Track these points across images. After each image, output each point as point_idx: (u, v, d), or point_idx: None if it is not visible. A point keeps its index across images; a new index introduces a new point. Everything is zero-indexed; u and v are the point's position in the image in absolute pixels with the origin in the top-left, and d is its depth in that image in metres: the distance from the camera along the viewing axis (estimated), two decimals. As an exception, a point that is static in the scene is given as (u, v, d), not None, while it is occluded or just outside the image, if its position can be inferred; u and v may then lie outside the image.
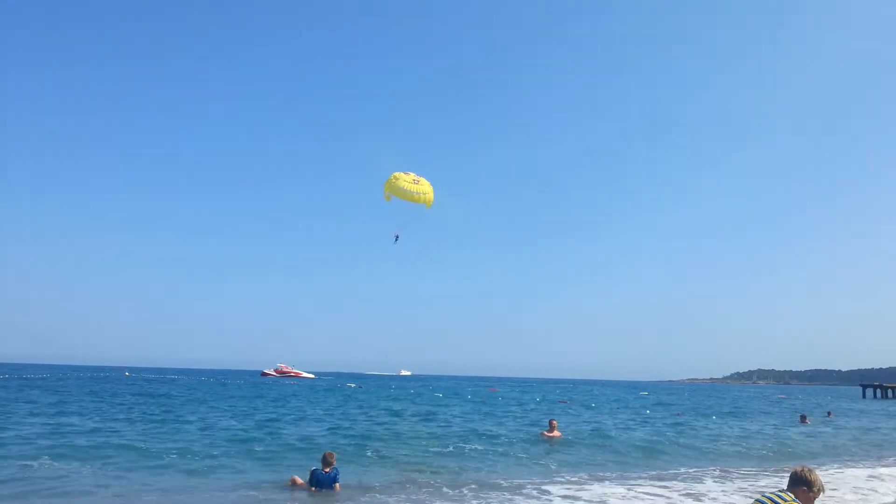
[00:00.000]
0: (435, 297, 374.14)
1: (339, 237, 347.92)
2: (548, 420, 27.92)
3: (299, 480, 14.47)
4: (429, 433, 26.67)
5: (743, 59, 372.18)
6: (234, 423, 28.56)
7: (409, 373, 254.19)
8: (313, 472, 14.27)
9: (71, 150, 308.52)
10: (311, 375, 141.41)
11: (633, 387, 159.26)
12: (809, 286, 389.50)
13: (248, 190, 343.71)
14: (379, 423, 30.62)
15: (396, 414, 37.32)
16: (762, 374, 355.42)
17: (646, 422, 36.76)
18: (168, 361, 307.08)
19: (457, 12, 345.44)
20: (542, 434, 26.18)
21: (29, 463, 16.00)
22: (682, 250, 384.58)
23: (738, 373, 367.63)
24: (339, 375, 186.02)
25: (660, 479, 17.02)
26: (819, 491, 6.45)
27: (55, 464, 16.01)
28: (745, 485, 16.18)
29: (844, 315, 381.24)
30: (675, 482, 16.43)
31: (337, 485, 14.18)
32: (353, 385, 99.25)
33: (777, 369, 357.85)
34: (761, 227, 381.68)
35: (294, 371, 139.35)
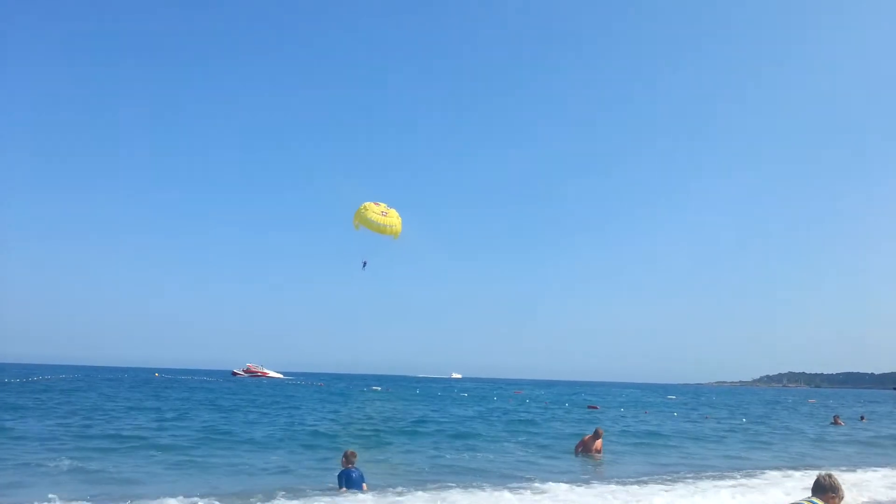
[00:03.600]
0: (482, 300, 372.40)
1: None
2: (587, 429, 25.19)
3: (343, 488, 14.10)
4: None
5: (760, 63, 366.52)
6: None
7: (459, 376, 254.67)
8: (342, 473, 14.10)
9: (69, 149, 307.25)
10: (280, 375, 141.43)
11: (660, 390, 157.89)
12: (841, 287, 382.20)
13: (285, 188, 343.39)
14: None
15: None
16: (792, 377, 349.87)
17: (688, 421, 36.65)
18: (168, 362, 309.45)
19: (464, 15, 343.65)
20: (581, 444, 22.46)
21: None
22: (710, 251, 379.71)
23: (767, 376, 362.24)
24: (308, 375, 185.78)
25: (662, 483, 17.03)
26: (843, 497, 6.76)
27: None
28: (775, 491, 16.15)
29: (877, 316, 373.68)
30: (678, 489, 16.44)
31: (364, 484, 14.04)
32: (377, 388, 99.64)
33: (808, 372, 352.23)
34: (790, 227, 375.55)
35: (262, 371, 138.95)
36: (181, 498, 12.43)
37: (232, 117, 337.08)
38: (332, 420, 33.61)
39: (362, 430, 28.88)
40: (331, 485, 14.38)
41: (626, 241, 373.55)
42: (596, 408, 56.83)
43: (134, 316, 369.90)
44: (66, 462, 16.56)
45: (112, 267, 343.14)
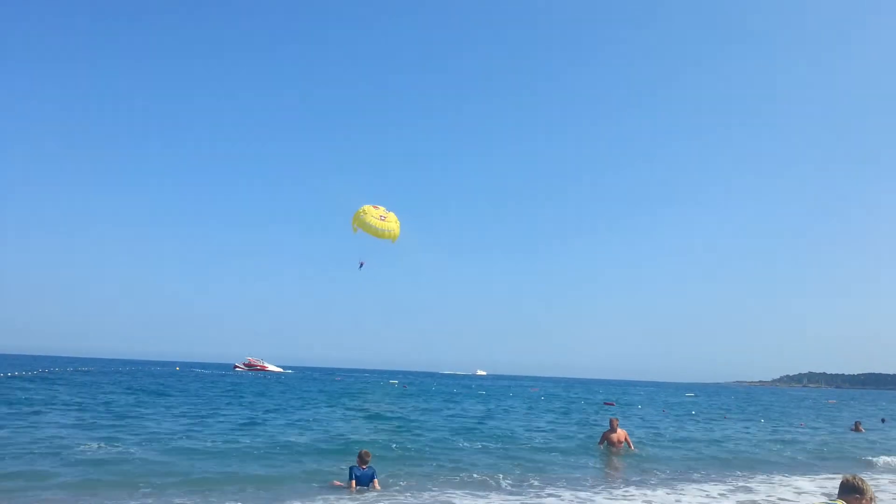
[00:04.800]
0: (507, 297, 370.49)
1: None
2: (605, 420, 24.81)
3: (337, 483, 14.71)
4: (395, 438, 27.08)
5: (798, 61, 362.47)
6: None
7: (484, 373, 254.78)
8: (352, 470, 14.51)
9: (70, 144, 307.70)
10: (279, 369, 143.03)
11: (678, 388, 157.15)
12: (863, 287, 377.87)
13: (299, 183, 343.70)
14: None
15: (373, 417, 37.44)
16: (812, 378, 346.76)
17: (708, 422, 36.63)
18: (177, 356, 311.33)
19: (470, 14, 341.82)
20: (604, 439, 22.28)
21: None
22: (728, 249, 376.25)
23: (787, 375, 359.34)
24: (304, 369, 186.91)
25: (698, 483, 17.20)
26: (871, 499, 6.61)
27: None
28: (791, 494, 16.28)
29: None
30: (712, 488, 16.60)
31: (376, 481, 14.47)
32: (394, 382, 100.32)
33: (828, 372, 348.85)
34: (813, 225, 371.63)
35: (262, 364, 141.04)
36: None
37: (239, 113, 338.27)
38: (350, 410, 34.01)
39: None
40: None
41: (646, 239, 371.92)
42: (612, 404, 57.00)
43: (131, 310, 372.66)
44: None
45: (112, 261, 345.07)
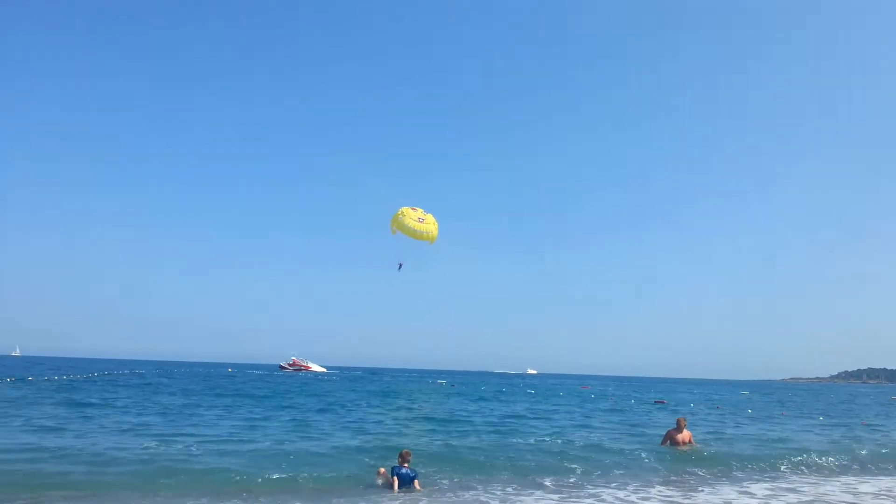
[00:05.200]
0: (557, 295, 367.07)
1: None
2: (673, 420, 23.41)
3: (383, 470, 14.81)
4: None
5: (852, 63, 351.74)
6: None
7: (534, 371, 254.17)
8: (394, 469, 14.60)
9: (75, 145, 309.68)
10: (323, 369, 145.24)
11: (732, 386, 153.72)
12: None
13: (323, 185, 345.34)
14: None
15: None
16: (872, 373, 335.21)
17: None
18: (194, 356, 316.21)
19: (495, 20, 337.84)
20: (667, 438, 21.59)
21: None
22: (787, 245, 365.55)
23: (846, 371, 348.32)
24: (352, 369, 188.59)
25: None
26: None
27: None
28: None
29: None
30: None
31: (417, 482, 14.53)
32: (442, 382, 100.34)
33: (889, 368, 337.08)
34: (869, 221, 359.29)
35: (305, 364, 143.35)
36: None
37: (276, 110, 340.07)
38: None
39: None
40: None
41: (703, 235, 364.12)
42: (663, 402, 55.93)
43: (174, 311, 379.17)
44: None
45: (144, 263, 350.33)
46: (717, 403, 57.72)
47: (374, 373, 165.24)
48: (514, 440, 23.66)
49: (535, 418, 34.29)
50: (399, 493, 14.10)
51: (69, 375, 69.09)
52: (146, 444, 19.07)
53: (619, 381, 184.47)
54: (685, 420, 21.90)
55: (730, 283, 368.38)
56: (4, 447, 17.70)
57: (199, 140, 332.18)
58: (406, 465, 14.71)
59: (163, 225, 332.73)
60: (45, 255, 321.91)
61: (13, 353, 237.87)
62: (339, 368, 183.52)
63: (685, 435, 21.25)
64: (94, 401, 35.45)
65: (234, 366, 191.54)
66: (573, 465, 18.03)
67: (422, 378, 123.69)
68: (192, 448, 18.82)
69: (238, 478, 14.84)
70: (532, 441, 23.50)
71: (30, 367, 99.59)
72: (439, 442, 22.65)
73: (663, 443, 21.61)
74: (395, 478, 14.37)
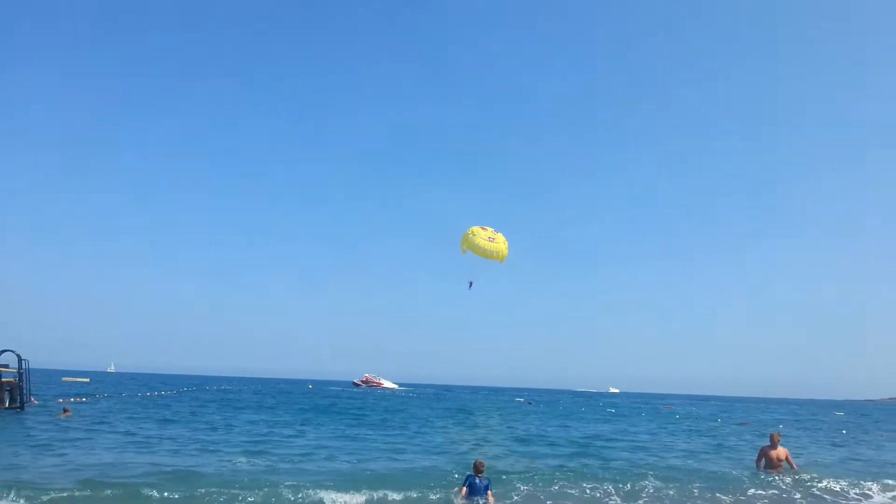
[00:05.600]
0: (640, 312, 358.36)
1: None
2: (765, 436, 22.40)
3: (464, 490, 14.98)
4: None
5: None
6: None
7: (616, 390, 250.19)
8: (468, 478, 14.97)
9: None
10: (395, 386, 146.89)
11: (824, 405, 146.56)
12: None
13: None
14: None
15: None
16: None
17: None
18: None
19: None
20: (761, 457, 20.39)
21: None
22: (879, 248, 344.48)
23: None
24: (424, 386, 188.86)
25: None
26: None
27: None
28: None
29: None
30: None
31: (490, 493, 14.78)
32: (520, 400, 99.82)
33: None
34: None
35: (377, 381, 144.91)
36: None
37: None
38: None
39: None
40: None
41: (784, 245, 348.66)
42: (748, 423, 53.92)
43: (250, 329, 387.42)
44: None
45: (222, 283, 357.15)
46: (807, 424, 55.22)
47: (448, 390, 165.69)
48: (588, 458, 23.46)
49: (615, 438, 33.72)
50: (466, 501, 14.46)
51: (167, 392, 72.18)
52: (236, 460, 19.82)
53: (705, 399, 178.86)
54: (779, 436, 20.47)
55: (822, 295, 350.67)
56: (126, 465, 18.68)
57: (281, 159, 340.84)
58: (480, 475, 15.00)
59: (243, 244, 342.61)
60: (132, 275, 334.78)
61: (109, 370, 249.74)
62: (412, 385, 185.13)
63: (780, 451, 19.86)
64: (194, 414, 36.99)
65: (310, 382, 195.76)
66: (650, 484, 17.71)
67: (499, 396, 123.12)
68: (280, 463, 19.44)
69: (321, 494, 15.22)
70: (607, 459, 23.24)
71: (127, 383, 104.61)
72: (513, 458, 22.66)
73: (758, 462, 20.45)
74: (466, 487, 14.72)
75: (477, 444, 28.16)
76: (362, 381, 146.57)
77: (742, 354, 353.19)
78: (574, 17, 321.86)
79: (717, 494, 16.94)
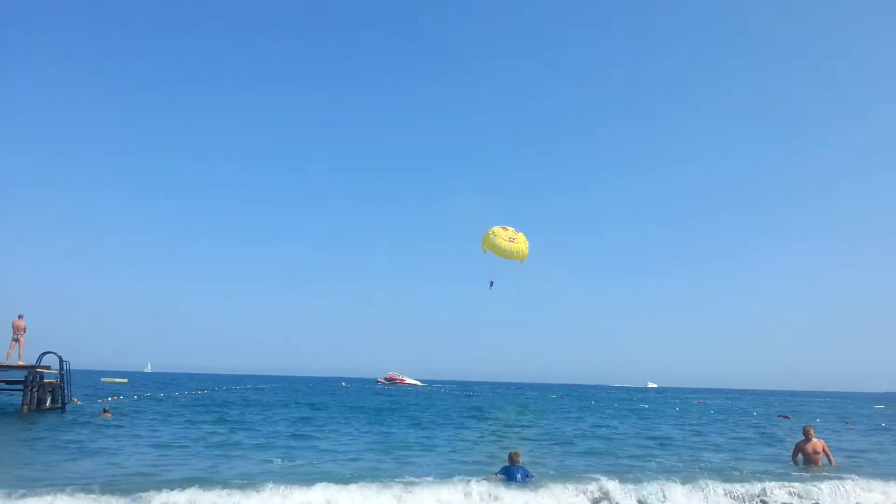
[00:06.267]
0: (678, 308, 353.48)
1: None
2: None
3: (495, 477, 15.14)
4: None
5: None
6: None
7: (654, 385, 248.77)
8: (505, 468, 15.17)
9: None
10: (418, 383, 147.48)
11: (863, 399, 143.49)
12: None
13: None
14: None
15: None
16: None
17: None
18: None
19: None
20: (797, 451, 19.79)
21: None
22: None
23: None
24: (445, 383, 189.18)
25: None
26: None
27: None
28: None
29: None
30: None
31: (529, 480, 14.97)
32: (554, 396, 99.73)
33: None
34: None
35: (401, 378, 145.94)
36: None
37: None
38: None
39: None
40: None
41: (824, 239, 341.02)
42: (788, 417, 53.16)
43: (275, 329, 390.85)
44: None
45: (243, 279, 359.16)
46: (847, 418, 54.24)
47: (467, 386, 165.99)
48: (611, 452, 23.48)
49: (642, 430, 33.51)
50: (513, 487, 14.46)
51: (208, 390, 73.27)
52: (272, 459, 20.10)
53: (742, 393, 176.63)
54: (812, 428, 19.86)
55: (862, 284, 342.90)
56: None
57: (308, 165, 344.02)
58: (515, 464, 15.19)
59: (263, 248, 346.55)
60: (165, 278, 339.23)
61: (145, 370, 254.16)
62: (438, 383, 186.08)
63: (816, 444, 19.31)
64: (236, 414, 37.57)
65: (334, 379, 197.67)
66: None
67: (533, 392, 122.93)
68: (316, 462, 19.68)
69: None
70: (635, 452, 23.25)
71: (170, 383, 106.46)
72: (544, 451, 22.75)
73: (794, 456, 20.04)
74: (503, 475, 14.86)
75: (505, 438, 28.11)
76: (386, 379, 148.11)
77: (781, 348, 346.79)
78: (589, 28, 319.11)
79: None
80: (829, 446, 19.81)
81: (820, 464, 19.09)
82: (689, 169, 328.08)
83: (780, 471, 18.95)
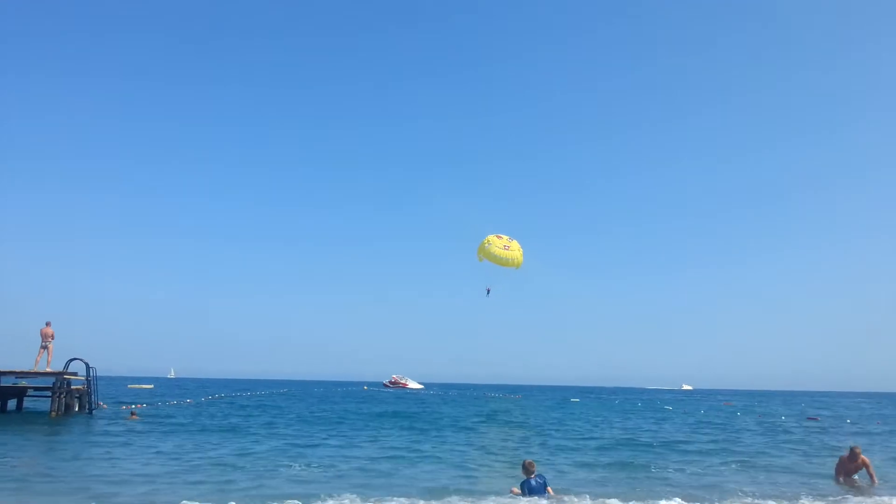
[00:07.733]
0: (711, 309, 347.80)
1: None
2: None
3: (516, 490, 14.93)
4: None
5: None
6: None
7: (689, 387, 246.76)
8: (523, 484, 14.69)
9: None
10: (420, 386, 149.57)
11: (887, 398, 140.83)
12: None
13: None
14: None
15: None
16: None
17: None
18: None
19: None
20: (841, 470, 18.55)
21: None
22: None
23: None
24: (447, 386, 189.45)
25: None
26: None
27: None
28: None
29: None
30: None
31: (549, 488, 14.76)
32: (576, 400, 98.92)
33: None
34: None
35: (403, 382, 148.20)
36: None
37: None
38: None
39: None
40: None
41: (859, 233, 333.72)
42: (816, 419, 52.21)
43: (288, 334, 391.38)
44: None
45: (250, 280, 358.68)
46: (878, 419, 53.22)
47: (469, 388, 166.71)
48: (632, 460, 23.05)
49: (656, 434, 33.16)
50: (529, 499, 14.37)
51: (237, 394, 73.82)
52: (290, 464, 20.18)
53: (770, 395, 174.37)
54: (860, 448, 18.36)
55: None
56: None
57: (319, 167, 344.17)
58: (532, 475, 14.75)
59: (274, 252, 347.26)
60: (189, 285, 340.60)
61: (169, 375, 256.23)
62: (438, 386, 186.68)
63: (860, 465, 17.95)
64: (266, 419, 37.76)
65: (351, 384, 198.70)
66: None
67: (555, 395, 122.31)
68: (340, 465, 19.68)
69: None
70: (650, 459, 23.03)
71: (199, 388, 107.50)
72: (561, 456, 22.57)
73: (838, 476, 18.52)
74: (523, 489, 14.57)
75: (516, 442, 27.96)
76: (390, 383, 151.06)
77: (813, 347, 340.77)
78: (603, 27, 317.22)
79: None
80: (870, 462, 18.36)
81: (855, 479, 17.97)
82: (724, 165, 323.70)
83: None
